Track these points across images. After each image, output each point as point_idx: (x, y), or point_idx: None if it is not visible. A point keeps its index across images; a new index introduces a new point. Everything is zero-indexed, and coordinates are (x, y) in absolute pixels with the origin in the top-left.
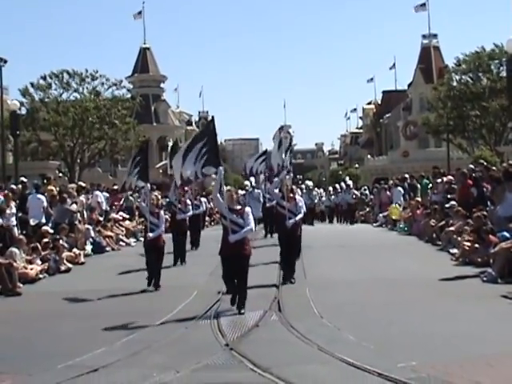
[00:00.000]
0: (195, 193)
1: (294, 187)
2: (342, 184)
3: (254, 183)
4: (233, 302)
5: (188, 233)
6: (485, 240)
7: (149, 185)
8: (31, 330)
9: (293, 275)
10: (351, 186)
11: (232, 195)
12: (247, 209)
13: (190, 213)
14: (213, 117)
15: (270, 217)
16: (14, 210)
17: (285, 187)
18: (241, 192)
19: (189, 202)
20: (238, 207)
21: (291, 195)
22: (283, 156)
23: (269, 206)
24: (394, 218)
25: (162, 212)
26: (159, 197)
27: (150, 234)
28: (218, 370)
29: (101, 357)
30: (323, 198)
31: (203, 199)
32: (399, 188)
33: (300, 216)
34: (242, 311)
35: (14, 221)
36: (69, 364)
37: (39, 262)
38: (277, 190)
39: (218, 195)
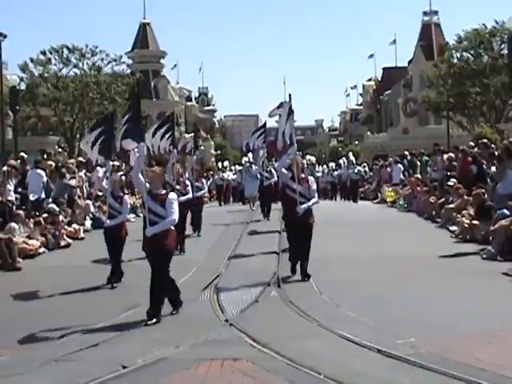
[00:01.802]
0: (197, 174)
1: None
2: (345, 160)
3: (251, 159)
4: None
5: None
6: (484, 217)
7: (111, 162)
8: (31, 305)
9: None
10: (354, 162)
11: (154, 177)
12: (171, 195)
13: (190, 195)
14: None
15: (268, 197)
16: (11, 187)
17: (295, 166)
18: (238, 168)
19: (188, 182)
20: (162, 192)
21: (303, 176)
22: (290, 130)
23: (266, 184)
24: (388, 200)
25: (126, 197)
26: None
27: (108, 222)
28: (218, 346)
29: (100, 332)
30: (325, 175)
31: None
32: (399, 165)
33: (314, 201)
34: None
35: (13, 195)
36: (69, 338)
37: (39, 237)
38: (284, 169)
39: (140, 176)
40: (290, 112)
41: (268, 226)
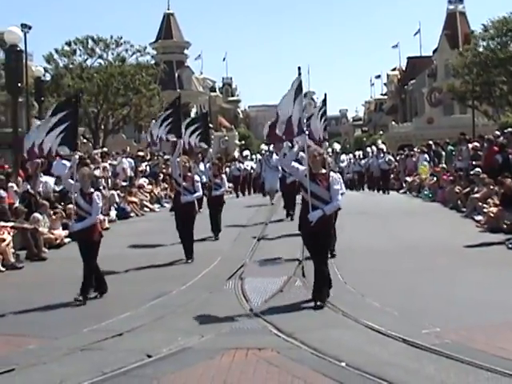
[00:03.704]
0: (215, 168)
1: (326, 156)
2: (374, 148)
3: (272, 148)
4: None
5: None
6: (510, 207)
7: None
8: (57, 295)
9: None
10: (384, 150)
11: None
12: (96, 194)
13: (199, 192)
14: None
15: (291, 195)
16: (42, 178)
17: (312, 159)
18: (259, 157)
19: (197, 177)
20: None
21: (323, 171)
22: (299, 114)
23: (289, 182)
24: (423, 176)
25: (95, 195)
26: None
27: (75, 225)
28: (243, 335)
29: (126, 321)
30: (351, 164)
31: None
32: (425, 155)
33: (331, 207)
34: None
35: (41, 187)
36: (94, 328)
37: (60, 227)
38: (296, 164)
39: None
40: (298, 91)
41: (290, 228)
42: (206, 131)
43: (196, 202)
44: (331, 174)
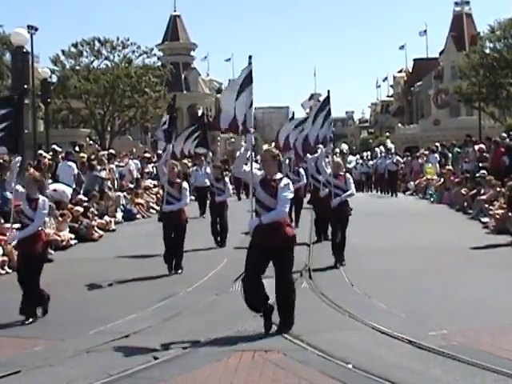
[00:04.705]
0: (218, 171)
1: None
2: (382, 148)
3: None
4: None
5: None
6: None
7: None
8: (63, 296)
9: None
10: (393, 151)
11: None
12: (42, 199)
13: (183, 201)
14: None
15: (297, 202)
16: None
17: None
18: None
19: (185, 185)
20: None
21: (277, 176)
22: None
23: (295, 188)
24: (429, 176)
25: (41, 201)
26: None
27: (16, 235)
28: (249, 337)
29: (132, 323)
30: (359, 165)
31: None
32: (435, 155)
33: (273, 216)
34: None
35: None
36: (100, 330)
37: (67, 229)
38: (247, 167)
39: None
40: (247, 82)
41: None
42: (203, 135)
43: (184, 211)
44: (284, 179)
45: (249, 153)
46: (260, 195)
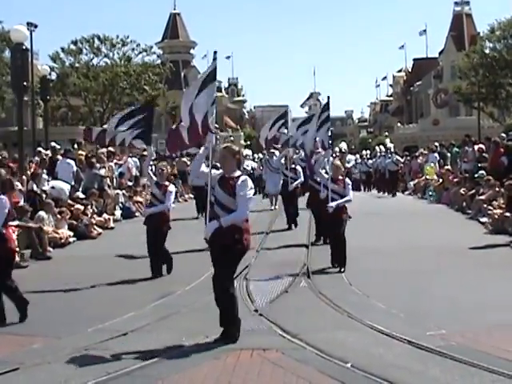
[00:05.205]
0: None
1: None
2: (382, 147)
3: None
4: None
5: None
6: None
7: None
8: (61, 294)
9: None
10: (392, 150)
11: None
12: (3, 200)
13: (166, 204)
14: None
15: (293, 203)
16: (45, 176)
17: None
18: (261, 155)
19: (172, 188)
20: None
21: (235, 174)
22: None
23: (291, 189)
24: (429, 177)
25: (5, 199)
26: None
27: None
28: (247, 336)
29: (130, 321)
30: (358, 164)
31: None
32: (435, 154)
33: (233, 218)
34: None
35: (46, 185)
36: (98, 328)
37: (65, 226)
38: (206, 168)
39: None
40: (210, 79)
41: (293, 238)
42: (148, 127)
43: (166, 214)
44: (241, 177)
45: (209, 152)
46: (218, 194)
